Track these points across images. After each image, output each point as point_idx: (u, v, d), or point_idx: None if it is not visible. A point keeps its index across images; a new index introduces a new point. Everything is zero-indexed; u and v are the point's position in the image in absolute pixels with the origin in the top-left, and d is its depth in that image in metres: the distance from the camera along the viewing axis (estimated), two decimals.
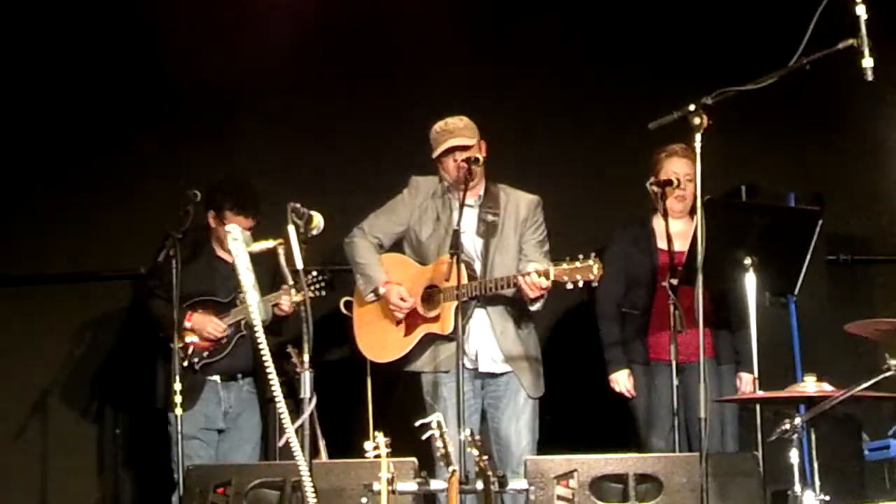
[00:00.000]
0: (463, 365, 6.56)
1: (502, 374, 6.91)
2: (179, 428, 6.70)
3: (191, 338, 7.17)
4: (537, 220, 7.01)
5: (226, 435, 7.34)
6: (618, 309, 7.09)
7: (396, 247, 7.11)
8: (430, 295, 6.87)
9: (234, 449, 7.32)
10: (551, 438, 7.01)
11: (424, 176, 7.07)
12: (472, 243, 6.93)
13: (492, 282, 6.74)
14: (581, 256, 6.53)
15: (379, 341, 7.04)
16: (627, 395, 7.08)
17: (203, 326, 7.18)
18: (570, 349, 7.21)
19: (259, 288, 5.19)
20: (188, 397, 6.92)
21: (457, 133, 6.88)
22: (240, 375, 7.33)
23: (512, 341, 6.91)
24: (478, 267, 6.88)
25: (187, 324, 7.16)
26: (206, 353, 7.22)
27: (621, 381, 7.09)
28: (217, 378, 7.28)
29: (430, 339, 6.89)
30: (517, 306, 6.86)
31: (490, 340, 6.89)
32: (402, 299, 6.90)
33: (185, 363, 7.10)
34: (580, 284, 6.56)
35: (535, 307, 6.81)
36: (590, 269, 6.49)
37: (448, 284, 6.69)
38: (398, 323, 6.96)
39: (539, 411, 6.95)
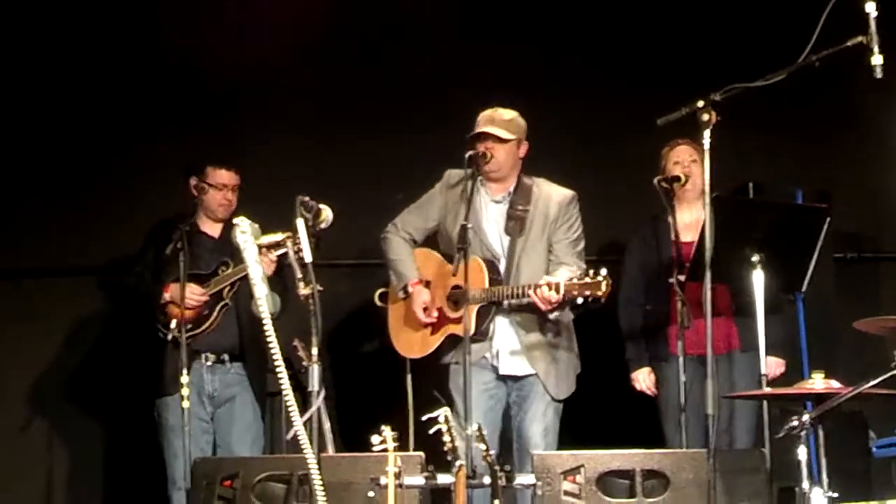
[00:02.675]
0: (486, 359, 6.68)
1: (525, 377, 6.86)
2: (186, 421, 6.72)
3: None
4: (570, 218, 6.90)
5: (218, 419, 7.27)
6: (640, 309, 7.12)
7: (431, 241, 7.09)
8: (456, 295, 6.81)
9: (228, 426, 7.25)
10: (562, 435, 7.01)
11: (459, 170, 6.93)
12: (498, 241, 6.89)
13: (509, 290, 6.69)
14: (591, 272, 6.49)
15: (408, 337, 7.03)
16: (649, 392, 7.12)
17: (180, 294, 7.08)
18: (583, 345, 7.19)
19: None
20: (174, 379, 6.91)
21: (488, 123, 6.83)
22: (227, 357, 7.26)
23: (536, 342, 6.84)
24: (502, 266, 6.84)
25: (166, 295, 7.13)
26: (189, 326, 7.07)
27: (641, 379, 7.16)
28: (204, 359, 7.20)
29: (454, 338, 6.83)
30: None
31: (513, 342, 6.85)
32: (424, 309, 6.88)
33: (170, 337, 7.08)
34: (590, 300, 6.51)
35: (552, 316, 6.77)
36: (598, 285, 6.44)
37: (471, 287, 6.58)
38: (426, 322, 6.94)
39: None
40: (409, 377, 7.13)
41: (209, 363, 7.23)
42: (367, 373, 7.80)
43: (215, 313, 7.21)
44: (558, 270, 6.74)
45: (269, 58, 7.99)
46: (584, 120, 8.08)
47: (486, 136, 6.83)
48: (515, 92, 7.32)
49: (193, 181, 7.27)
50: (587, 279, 6.47)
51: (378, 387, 7.49)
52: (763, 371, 6.64)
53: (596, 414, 7.50)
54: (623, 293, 7.25)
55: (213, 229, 7.37)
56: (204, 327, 7.19)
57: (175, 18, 8.01)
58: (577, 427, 7.10)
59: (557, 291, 6.51)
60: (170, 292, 7.12)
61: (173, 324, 7.08)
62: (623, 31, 8.12)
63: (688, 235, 6.85)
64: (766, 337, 6.77)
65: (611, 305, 7.33)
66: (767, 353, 6.92)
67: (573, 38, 8.12)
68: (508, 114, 6.89)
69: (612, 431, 7.15)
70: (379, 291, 7.23)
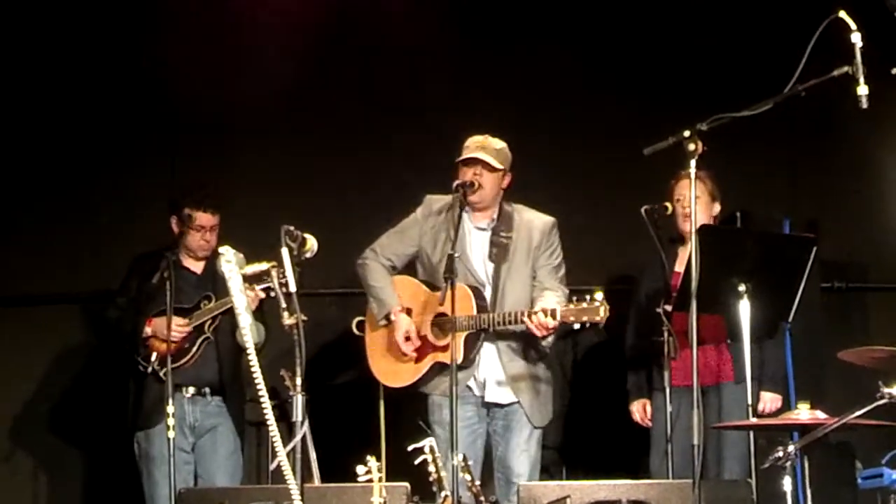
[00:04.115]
0: (470, 389, 6.66)
1: (508, 405, 6.83)
2: (171, 451, 6.70)
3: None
4: (552, 244, 6.89)
5: (200, 450, 7.23)
6: (645, 340, 7.07)
7: (409, 267, 7.03)
8: (442, 323, 6.78)
9: (210, 457, 7.22)
10: (552, 463, 7.00)
11: (439, 195, 6.96)
12: (482, 268, 6.85)
13: (499, 317, 6.65)
14: (588, 297, 6.46)
15: (391, 366, 6.95)
16: (643, 424, 7.12)
17: (162, 327, 6.99)
18: (582, 373, 7.19)
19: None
20: (155, 412, 6.92)
21: (479, 150, 6.80)
22: (207, 390, 7.23)
23: (520, 371, 6.81)
24: (488, 293, 6.80)
25: (147, 330, 7.13)
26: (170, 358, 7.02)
27: (636, 410, 7.15)
28: (184, 391, 7.16)
29: (440, 366, 6.80)
30: (528, 336, 6.74)
31: (497, 370, 6.81)
32: (406, 338, 6.82)
33: (150, 370, 7.07)
34: (587, 325, 6.50)
35: (545, 343, 6.75)
36: (596, 311, 6.42)
37: (458, 314, 6.56)
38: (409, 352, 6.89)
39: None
40: (381, 404, 7.06)
41: (189, 395, 7.21)
42: (344, 402, 7.74)
43: (196, 346, 7.19)
44: (544, 295, 6.72)
45: (256, 88, 8.00)
46: (592, 147, 8.07)
47: (475, 162, 6.81)
48: (510, 121, 7.32)
49: (175, 220, 7.26)
50: (584, 304, 6.46)
51: (355, 417, 7.42)
52: (749, 401, 6.64)
53: (592, 443, 7.50)
54: (631, 324, 7.25)
55: (195, 265, 7.36)
56: (184, 360, 7.16)
57: (162, 50, 8.01)
58: (572, 455, 7.10)
59: (554, 318, 6.49)
60: (152, 326, 7.11)
61: (153, 357, 7.06)
62: (616, 57, 8.10)
63: (683, 266, 6.83)
64: (764, 370, 6.77)
65: (615, 334, 7.34)
66: (765, 387, 6.92)
67: (564, 61, 8.11)
68: (499, 143, 6.87)
69: (607, 461, 7.14)
70: (356, 320, 7.16)
